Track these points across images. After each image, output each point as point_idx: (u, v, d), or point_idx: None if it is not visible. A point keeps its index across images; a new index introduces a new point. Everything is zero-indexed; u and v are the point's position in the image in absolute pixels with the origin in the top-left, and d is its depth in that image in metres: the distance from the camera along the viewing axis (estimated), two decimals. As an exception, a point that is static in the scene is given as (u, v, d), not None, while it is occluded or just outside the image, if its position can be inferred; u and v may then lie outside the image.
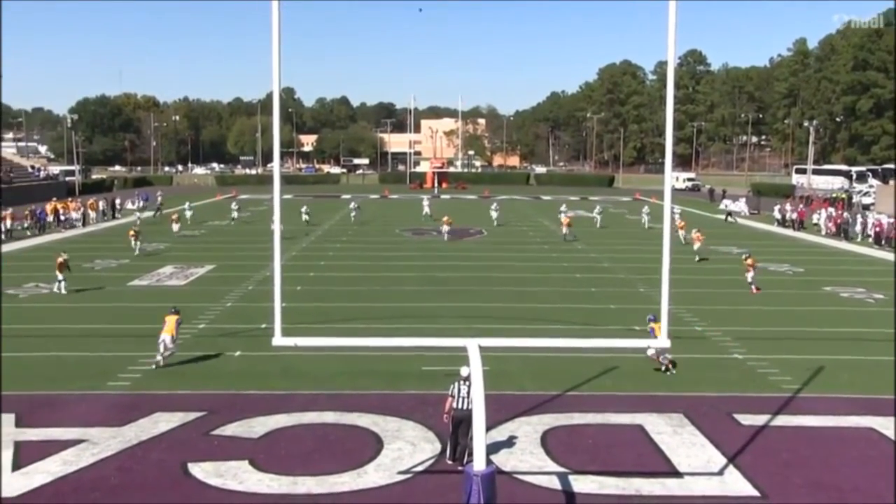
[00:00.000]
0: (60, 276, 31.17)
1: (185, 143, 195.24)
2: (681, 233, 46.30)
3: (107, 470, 14.39)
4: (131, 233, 43.43)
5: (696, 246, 41.76)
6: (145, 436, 15.99)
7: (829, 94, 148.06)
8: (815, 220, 59.53)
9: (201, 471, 14.37)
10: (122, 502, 13.25)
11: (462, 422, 14.38)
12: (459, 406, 14.45)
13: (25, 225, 53.75)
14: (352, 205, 64.27)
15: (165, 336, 21.20)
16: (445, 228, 50.12)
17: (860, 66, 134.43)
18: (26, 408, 17.54)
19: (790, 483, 14.20)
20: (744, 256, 34.47)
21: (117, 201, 69.44)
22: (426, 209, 66.37)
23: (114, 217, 65.38)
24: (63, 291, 30.97)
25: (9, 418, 16.80)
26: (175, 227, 51.50)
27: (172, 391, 18.94)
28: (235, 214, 61.51)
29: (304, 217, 58.01)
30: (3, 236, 47.81)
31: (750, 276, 32.93)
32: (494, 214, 60.76)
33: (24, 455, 14.92)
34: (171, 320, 21.49)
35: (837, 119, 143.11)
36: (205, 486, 13.80)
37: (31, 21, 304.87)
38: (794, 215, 61.04)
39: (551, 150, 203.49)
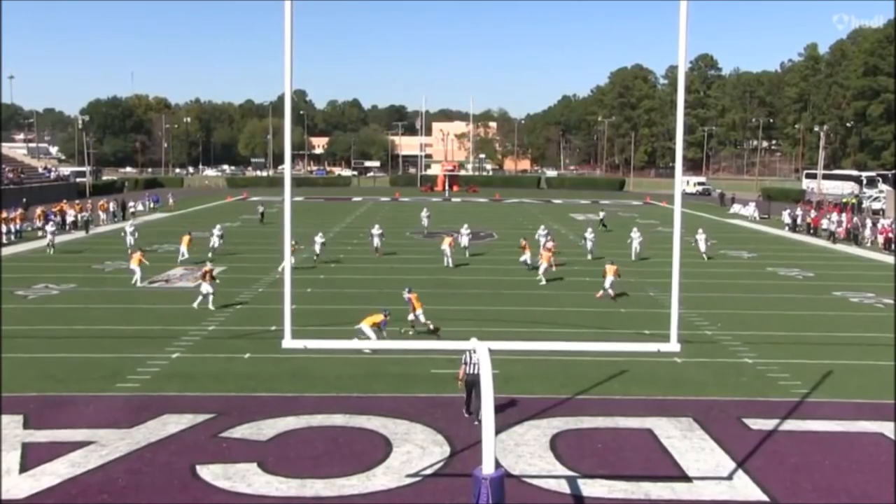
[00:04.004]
0: (211, 289, 28.67)
1: (196, 144, 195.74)
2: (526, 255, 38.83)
3: (115, 472, 14.40)
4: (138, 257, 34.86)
5: (542, 266, 35.83)
6: (154, 438, 16.01)
7: (839, 98, 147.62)
8: (824, 225, 59.38)
9: (210, 473, 14.37)
10: (131, 504, 13.28)
11: (475, 385, 16.06)
12: (473, 372, 16.49)
13: (38, 225, 54.11)
14: (374, 229, 44.81)
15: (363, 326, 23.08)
16: (449, 251, 39.54)
17: (870, 71, 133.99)
18: (34, 409, 17.58)
19: (799, 488, 14.15)
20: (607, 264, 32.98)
21: (131, 204, 69.67)
22: (424, 221, 58.69)
23: (124, 218, 65.54)
24: (211, 307, 28.32)
25: (17, 419, 16.85)
26: (184, 249, 40.13)
27: (181, 393, 18.96)
28: (216, 242, 43.80)
29: (317, 249, 41.27)
30: (3, 238, 47.86)
31: (608, 281, 31.57)
32: (465, 240, 43.98)
33: (32, 456, 14.94)
34: (376, 317, 23.03)
35: (848, 124, 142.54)
36: (213, 489, 13.80)
37: (43, 22, 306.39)
38: (810, 220, 60.72)
39: (562, 154, 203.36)
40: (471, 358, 16.65)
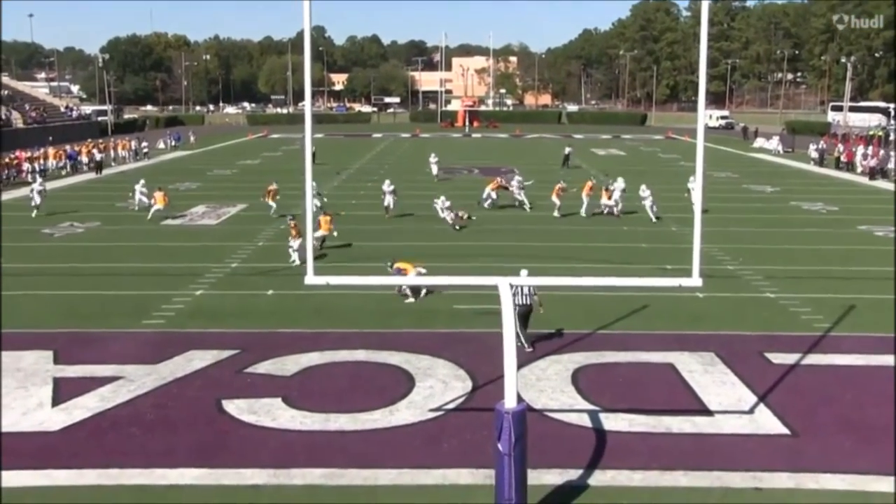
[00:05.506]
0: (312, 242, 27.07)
1: (215, 82, 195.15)
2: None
3: (143, 406, 14.63)
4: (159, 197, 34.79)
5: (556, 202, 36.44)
6: (180, 373, 16.23)
7: (868, 28, 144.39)
8: (859, 161, 58.28)
9: (235, 408, 14.58)
10: (159, 437, 13.49)
11: (523, 317, 17.23)
12: (521, 302, 17.19)
13: (61, 164, 54.69)
14: (385, 185, 37.18)
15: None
16: (493, 194, 38.66)
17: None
18: (63, 345, 17.84)
19: (820, 421, 14.18)
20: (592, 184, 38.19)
21: (144, 144, 69.35)
22: (434, 168, 52.54)
23: (145, 157, 65.89)
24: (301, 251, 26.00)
25: (47, 355, 17.14)
26: (272, 203, 36.09)
27: (206, 329, 19.16)
28: (318, 201, 33.15)
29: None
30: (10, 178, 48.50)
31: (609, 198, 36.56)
32: (442, 215, 33.68)
33: (64, 391, 15.22)
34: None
35: (877, 54, 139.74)
36: (239, 423, 14.01)
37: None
38: (843, 157, 59.50)
39: (583, 89, 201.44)
40: (521, 290, 17.30)
